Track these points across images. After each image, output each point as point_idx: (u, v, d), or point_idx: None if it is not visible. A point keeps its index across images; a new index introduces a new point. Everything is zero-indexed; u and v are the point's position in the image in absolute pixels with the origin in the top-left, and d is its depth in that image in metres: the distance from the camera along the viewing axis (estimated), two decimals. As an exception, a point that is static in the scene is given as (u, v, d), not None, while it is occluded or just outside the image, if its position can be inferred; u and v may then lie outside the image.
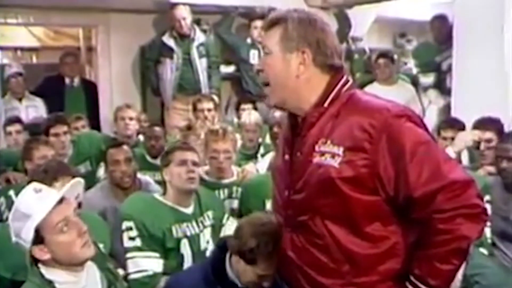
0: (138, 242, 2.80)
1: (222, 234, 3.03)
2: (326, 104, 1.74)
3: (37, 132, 4.24)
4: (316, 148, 1.70)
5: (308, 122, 1.75)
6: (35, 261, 1.93)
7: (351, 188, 1.64)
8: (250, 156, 4.31)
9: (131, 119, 4.67)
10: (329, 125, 1.70)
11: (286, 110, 1.85)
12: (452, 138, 3.83)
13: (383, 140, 1.61)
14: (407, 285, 1.69)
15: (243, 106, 5.41)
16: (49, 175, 2.68)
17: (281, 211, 1.86)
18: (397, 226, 1.70)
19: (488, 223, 3.25)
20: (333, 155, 1.65)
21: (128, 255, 2.81)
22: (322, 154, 1.68)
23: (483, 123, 3.74)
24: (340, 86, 1.75)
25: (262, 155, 4.25)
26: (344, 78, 1.78)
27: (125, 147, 3.58)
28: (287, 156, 1.82)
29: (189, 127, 4.97)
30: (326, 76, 1.77)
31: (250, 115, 4.57)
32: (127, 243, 2.81)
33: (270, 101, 1.83)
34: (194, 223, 2.94)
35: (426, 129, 1.72)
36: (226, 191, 3.51)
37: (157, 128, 4.35)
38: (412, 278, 1.68)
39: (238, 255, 2.27)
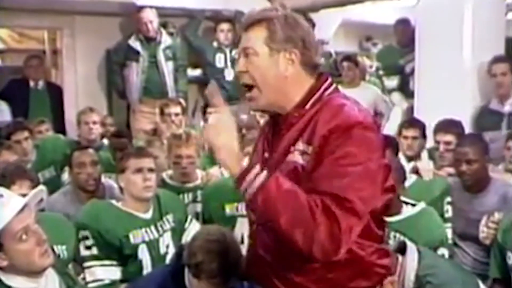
0: (94, 251, 2.78)
1: (184, 238, 3.01)
2: (307, 106, 1.72)
3: (-1, 137, 4.17)
4: (291, 148, 1.70)
5: (288, 123, 1.74)
6: (-6, 267, 1.91)
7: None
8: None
9: (94, 123, 4.62)
10: (307, 127, 1.69)
11: (269, 113, 1.81)
12: (413, 137, 3.88)
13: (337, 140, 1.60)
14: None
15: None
16: (7, 178, 2.68)
17: None
18: None
19: (450, 224, 3.33)
20: (302, 153, 1.66)
21: (85, 264, 2.79)
22: (295, 152, 1.68)
23: (444, 126, 3.79)
24: (323, 90, 1.75)
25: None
26: (328, 81, 1.78)
27: (90, 150, 3.58)
28: (266, 154, 1.81)
29: (155, 131, 4.95)
30: (311, 77, 1.76)
31: (215, 118, 4.53)
32: (84, 252, 2.79)
33: (258, 103, 1.75)
34: (152, 228, 2.91)
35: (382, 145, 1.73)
36: (190, 195, 3.48)
37: (123, 140, 4.32)
38: None
39: (187, 265, 2.26)
